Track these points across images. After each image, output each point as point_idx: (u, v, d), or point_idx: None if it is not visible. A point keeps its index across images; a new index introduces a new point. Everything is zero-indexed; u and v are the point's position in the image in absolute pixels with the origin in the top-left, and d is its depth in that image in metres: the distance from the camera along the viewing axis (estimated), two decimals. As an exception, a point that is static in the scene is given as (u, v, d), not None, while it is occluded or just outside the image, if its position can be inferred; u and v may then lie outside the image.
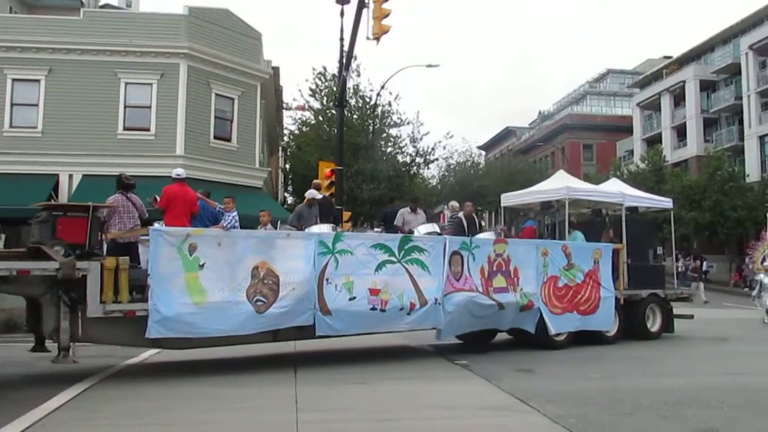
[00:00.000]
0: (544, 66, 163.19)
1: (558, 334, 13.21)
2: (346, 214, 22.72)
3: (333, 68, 34.20)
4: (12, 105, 24.95)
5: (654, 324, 15.31)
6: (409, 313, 11.41)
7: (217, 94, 26.56)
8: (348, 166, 27.49)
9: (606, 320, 13.99)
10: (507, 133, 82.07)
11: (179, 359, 11.75)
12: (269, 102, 32.23)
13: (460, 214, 15.13)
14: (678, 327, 15.89)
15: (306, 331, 10.92)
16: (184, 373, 10.51)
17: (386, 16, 16.90)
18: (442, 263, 11.87)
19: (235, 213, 11.67)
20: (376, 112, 35.40)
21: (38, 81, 25.05)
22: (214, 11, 27.14)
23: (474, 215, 15.34)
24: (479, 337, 13.67)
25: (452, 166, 56.71)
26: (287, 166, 45.52)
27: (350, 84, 32.22)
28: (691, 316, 16.48)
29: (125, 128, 25.25)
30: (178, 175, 11.50)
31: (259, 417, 7.55)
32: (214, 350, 11.61)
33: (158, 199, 11.32)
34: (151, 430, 6.98)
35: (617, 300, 14.28)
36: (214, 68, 26.31)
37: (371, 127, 35.08)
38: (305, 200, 14.04)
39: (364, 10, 17.10)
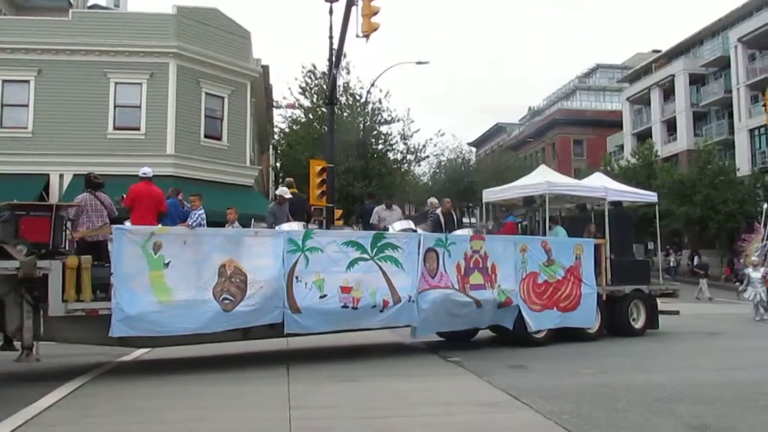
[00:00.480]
0: (534, 61, 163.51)
1: (538, 331, 13.06)
2: (338, 212, 22.74)
3: (323, 66, 34.21)
4: (2, 106, 24.95)
5: (638, 320, 15.17)
6: (382, 311, 11.31)
7: (207, 93, 26.55)
8: (339, 164, 27.48)
9: (587, 317, 13.83)
10: (497, 130, 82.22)
11: (172, 357, 11.77)
12: (259, 100, 32.21)
13: (438, 211, 15.00)
14: (666, 323, 15.91)
15: (277, 329, 10.86)
16: (177, 371, 10.51)
17: (375, 13, 16.89)
18: (416, 260, 11.75)
19: (201, 211, 11.58)
20: (366, 110, 35.41)
21: (28, 81, 25.01)
22: (203, 10, 27.11)
23: (452, 212, 15.20)
24: (459, 334, 13.54)
25: (443, 163, 56.75)
26: (278, 164, 45.50)
27: (340, 82, 32.23)
28: (677, 312, 16.41)
29: (115, 128, 25.24)
30: (145, 173, 11.50)
31: (253, 414, 7.56)
32: (206, 348, 11.64)
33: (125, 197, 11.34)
34: (144, 428, 6.98)
35: (599, 296, 14.12)
36: (203, 67, 26.29)
37: (362, 125, 35.09)
38: (276, 198, 13.95)
39: (353, 8, 17.09)
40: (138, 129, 25.31)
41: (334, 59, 21.05)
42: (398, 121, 37.30)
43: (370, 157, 34.74)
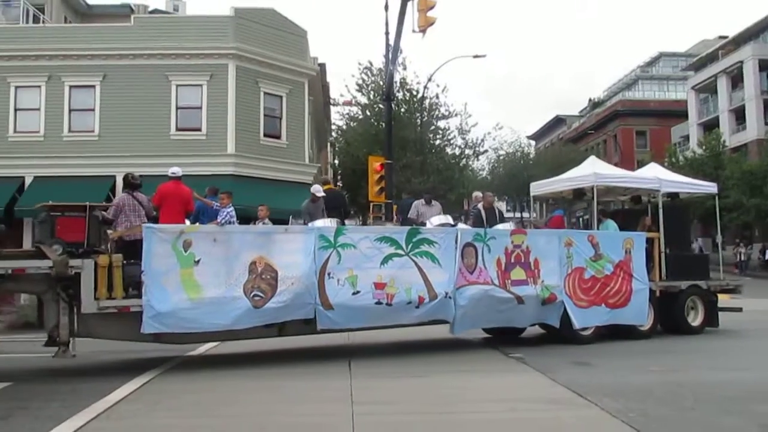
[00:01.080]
0: (594, 52, 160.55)
1: (584, 329, 12.65)
2: (395, 207, 22.74)
3: (379, 62, 34.28)
4: (70, 111, 25.70)
5: (696, 318, 14.39)
6: (417, 307, 11.15)
7: (265, 93, 26.84)
8: (397, 160, 27.49)
9: (639, 314, 13.22)
10: (557, 122, 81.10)
11: (237, 352, 12.01)
12: (317, 98, 32.43)
13: (479, 205, 14.70)
14: (731, 320, 15.10)
15: (312, 325, 10.83)
16: (242, 366, 10.70)
17: (431, 7, 16.85)
18: (453, 256, 11.53)
19: (230, 209, 11.53)
20: (423, 105, 35.35)
21: (93, 87, 25.72)
22: (260, 11, 27.43)
23: (495, 206, 14.85)
24: (506, 331, 13.29)
25: (501, 157, 56.29)
26: (336, 161, 45.79)
27: (397, 78, 32.19)
28: (740, 309, 15.52)
29: (177, 129, 25.76)
30: (174, 173, 11.64)
31: (316, 409, 7.62)
32: (270, 343, 11.78)
33: None
34: (210, 423, 7.09)
35: (652, 292, 13.51)
36: (261, 67, 26.59)
37: (419, 120, 35.04)
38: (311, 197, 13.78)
39: (409, 3, 17.09)
40: (199, 130, 25.78)
41: (390, 55, 21.10)
42: (456, 115, 37.20)
43: (428, 153, 34.69)
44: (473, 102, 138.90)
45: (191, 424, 7.11)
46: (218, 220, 11.18)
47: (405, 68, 35.21)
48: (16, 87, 25.71)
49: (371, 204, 21.82)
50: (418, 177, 32.58)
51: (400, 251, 11.26)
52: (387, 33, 21.90)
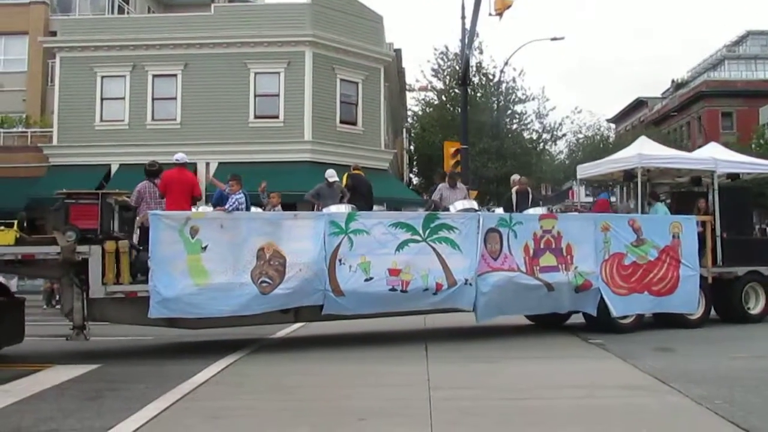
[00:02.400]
0: (675, 32, 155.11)
1: (624, 317, 12.18)
2: (473, 193, 22.59)
3: (455, 47, 34.06)
4: (153, 99, 26.54)
5: (756, 305, 13.60)
6: (435, 294, 10.95)
7: (341, 79, 27.07)
8: (473, 145, 27.28)
9: (688, 301, 12.55)
10: (638, 104, 78.76)
11: (316, 334, 12.30)
12: (392, 84, 32.46)
13: (513, 190, 14.28)
14: None
15: None
16: (321, 349, 10.90)
17: (508, -10, 16.60)
18: (475, 241, 11.25)
19: (239, 195, 11.40)
20: (500, 90, 34.95)
21: (175, 75, 26.52)
22: (336, -2, 27.59)
23: (529, 190, 14.36)
24: (547, 318, 12.94)
25: (580, 141, 55.13)
26: (412, 147, 45.80)
27: (473, 62, 31.95)
28: None
29: (256, 116, 26.29)
30: (177, 159, 11.63)
31: (394, 394, 7.67)
32: (346, 326, 11.88)
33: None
34: (291, 406, 7.23)
35: (703, 279, 12.84)
36: (337, 54, 26.79)
37: (495, 105, 34.67)
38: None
39: (486, -14, 16.87)
40: (277, 117, 26.21)
41: (466, 39, 20.92)
42: (533, 99, 36.69)
43: (505, 137, 34.33)
44: (551, 86, 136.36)
45: (272, 407, 7.25)
46: (226, 207, 11.12)
47: (481, 52, 34.87)
48: (102, 77, 26.74)
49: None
50: (494, 162, 32.29)
51: (417, 237, 11.08)
52: (463, 17, 21.68)
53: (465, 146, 20.76)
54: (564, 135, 40.32)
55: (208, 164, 25.96)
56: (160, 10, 36.42)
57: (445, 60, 35.77)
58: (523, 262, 11.56)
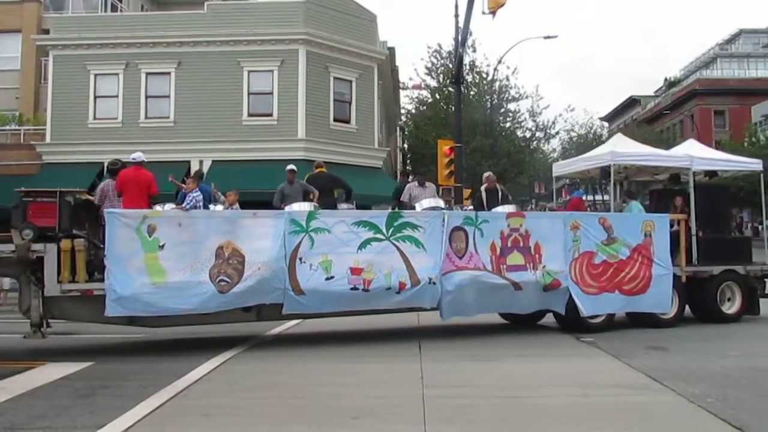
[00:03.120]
0: (668, 31, 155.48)
1: (594, 316, 12.02)
2: (467, 192, 22.64)
3: (448, 45, 34.09)
4: (146, 97, 26.49)
5: (732, 305, 13.36)
6: (398, 293, 10.89)
7: (335, 78, 27.03)
8: (467, 143, 27.35)
9: (660, 300, 12.39)
10: (631, 103, 79.08)
11: (311, 332, 12.31)
12: (386, 82, 32.46)
13: (483, 187, 14.13)
14: None
15: None
16: (315, 347, 10.91)
17: (502, -11, 16.61)
18: (440, 240, 11.19)
19: (197, 193, 11.29)
20: (493, 88, 35.03)
21: (169, 74, 26.45)
22: (330, -4, 27.57)
23: (499, 187, 14.15)
24: (519, 317, 12.91)
25: (574, 139, 55.29)
26: (405, 145, 45.82)
27: (466, 60, 31.97)
28: None
29: (249, 114, 26.23)
30: (134, 158, 11.56)
31: (387, 392, 7.69)
32: (341, 323, 11.88)
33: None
34: (283, 404, 7.25)
35: (677, 278, 12.69)
36: (331, 52, 26.76)
37: (489, 103, 34.75)
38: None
39: (479, -15, 16.89)
40: (270, 115, 26.17)
41: (460, 38, 20.93)
42: (526, 98, 36.85)
43: (498, 136, 34.44)
44: (544, 84, 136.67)
45: (266, 405, 7.28)
46: (183, 205, 11.02)
47: (475, 51, 35.04)
48: (96, 75, 26.65)
49: (441, 188, 21.79)
50: (488, 160, 32.35)
51: (380, 236, 11.02)
52: (456, 15, 21.76)
53: (459, 144, 20.80)
54: (557, 133, 40.47)
55: (201, 162, 25.88)
56: (154, 8, 36.32)
57: (439, 58, 35.87)
58: (490, 261, 11.47)
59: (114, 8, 32.22)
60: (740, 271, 13.47)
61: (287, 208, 11.53)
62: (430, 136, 33.22)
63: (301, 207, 11.46)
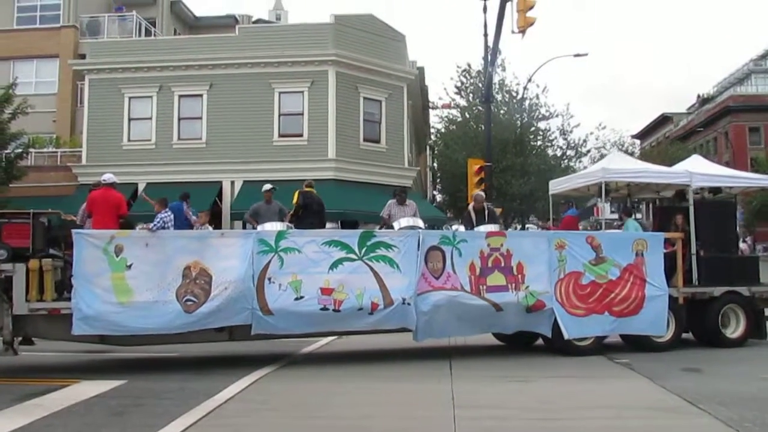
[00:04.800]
0: (701, 48, 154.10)
1: (581, 339, 11.58)
2: (498, 210, 22.55)
3: (477, 64, 34.14)
4: (179, 119, 26.89)
5: (736, 328, 12.62)
6: (371, 314, 10.72)
7: (365, 98, 27.19)
8: (497, 162, 27.27)
9: (654, 323, 11.81)
10: (663, 120, 78.29)
11: (342, 351, 12.31)
12: (416, 102, 32.57)
13: (470, 207, 13.87)
14: None
15: None
16: (346, 366, 10.90)
17: (531, 8, 16.66)
18: (415, 260, 10.98)
19: (164, 214, 11.35)
20: (523, 106, 34.96)
21: (201, 96, 26.85)
22: (359, 17, 27.84)
23: (486, 207, 13.69)
24: (513, 338, 12.58)
25: (605, 157, 54.85)
26: (435, 164, 45.85)
27: (496, 79, 32.01)
28: None
29: (280, 135, 26.48)
30: (104, 180, 11.69)
31: (418, 413, 7.66)
32: (372, 342, 11.82)
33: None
34: (316, 423, 7.26)
35: (673, 299, 12.10)
36: (361, 72, 26.94)
37: (519, 122, 34.67)
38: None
39: (508, 4, 16.95)
40: (301, 135, 26.39)
41: (489, 57, 20.96)
42: (557, 116, 36.71)
43: (529, 154, 34.28)
44: (575, 102, 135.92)
45: (296, 425, 7.29)
46: (149, 226, 11.05)
47: (504, 69, 34.99)
48: (130, 98, 27.17)
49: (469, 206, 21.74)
50: (518, 179, 32.22)
51: (352, 255, 10.88)
52: (486, 35, 21.83)
53: (489, 163, 20.76)
54: (589, 151, 40.12)
55: (233, 182, 26.20)
56: (186, 32, 36.99)
57: (468, 77, 35.92)
58: (468, 281, 11.21)
59: (148, 33, 32.83)
60: (744, 293, 12.76)
61: (260, 227, 11.60)
62: (459, 155, 33.20)
63: (273, 227, 11.47)
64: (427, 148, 45.96)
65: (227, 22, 35.25)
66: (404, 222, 12.08)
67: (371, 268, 10.90)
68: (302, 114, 26.46)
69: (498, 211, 21.50)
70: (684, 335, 12.64)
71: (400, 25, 56.82)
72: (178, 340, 10.81)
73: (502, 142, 32.07)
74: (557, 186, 16.47)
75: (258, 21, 38.47)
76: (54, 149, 29.53)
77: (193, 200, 14.88)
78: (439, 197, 45.93)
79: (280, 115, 26.59)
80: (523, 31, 16.75)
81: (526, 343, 12.81)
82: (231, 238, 11.03)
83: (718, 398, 7.95)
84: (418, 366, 10.87)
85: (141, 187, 26.34)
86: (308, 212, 12.87)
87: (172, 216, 11.46)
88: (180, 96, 26.93)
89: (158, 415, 7.43)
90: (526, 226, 13.99)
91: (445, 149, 39.48)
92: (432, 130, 43.60)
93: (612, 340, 12.28)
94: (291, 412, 7.82)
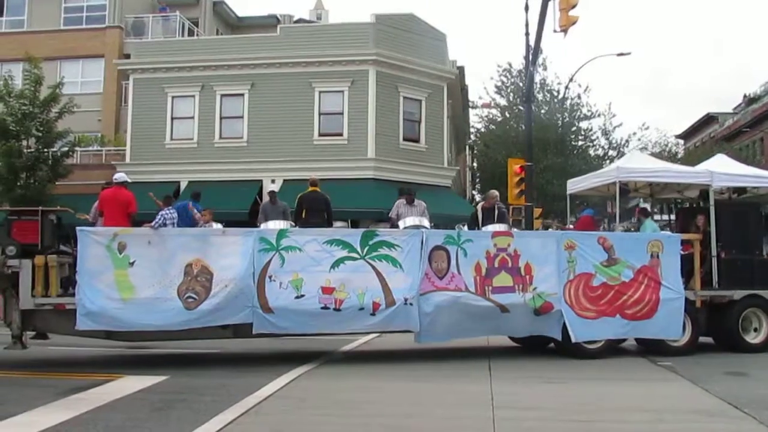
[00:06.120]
0: (748, 46, 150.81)
1: (590, 342, 11.36)
2: (537, 211, 22.39)
3: (518, 64, 33.93)
4: (221, 118, 27.17)
5: (758, 333, 12.25)
6: (373, 314, 10.67)
7: (404, 97, 27.16)
8: (537, 162, 27.05)
9: (669, 326, 11.51)
10: (708, 120, 76.74)
11: (382, 349, 12.41)
12: (455, 101, 32.45)
13: (479, 206, 13.67)
14: None
15: None
16: (385, 365, 11.00)
17: (573, 6, 16.48)
18: (418, 259, 10.92)
19: (166, 211, 11.39)
20: (564, 106, 34.63)
21: (242, 95, 27.08)
22: (400, 17, 27.81)
23: (497, 206, 13.30)
24: (530, 341, 12.30)
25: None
26: (475, 164, 45.66)
27: (537, 78, 31.77)
28: None
29: (320, 134, 26.58)
30: (116, 179, 11.89)
31: (457, 413, 7.65)
32: (410, 342, 11.81)
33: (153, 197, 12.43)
34: (354, 422, 7.29)
35: (690, 302, 11.80)
36: (401, 72, 26.92)
37: (560, 122, 34.35)
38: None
39: (550, 2, 16.79)
40: (341, 135, 26.48)
41: (530, 56, 20.77)
42: (599, 116, 36.30)
43: (570, 154, 33.95)
44: (617, 102, 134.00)
45: (335, 422, 7.33)
46: (152, 223, 11.13)
47: (545, 69, 34.72)
48: (173, 97, 27.51)
49: (510, 207, 21.61)
50: (559, 179, 31.92)
51: (354, 254, 10.87)
52: (527, 33, 21.59)
53: (529, 163, 20.60)
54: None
55: (273, 181, 26.32)
56: (228, 31, 37.38)
57: (509, 77, 35.71)
58: (473, 282, 11.08)
59: (191, 33, 33.26)
60: (767, 296, 12.36)
61: (261, 226, 11.73)
62: (499, 154, 33.02)
63: (276, 225, 11.58)
64: (467, 147, 45.78)
65: (269, 22, 35.50)
66: (409, 221, 12.07)
67: (373, 268, 10.92)
68: (342, 113, 26.54)
69: (538, 211, 21.35)
70: (703, 339, 12.31)
71: (440, 24, 56.68)
72: (183, 336, 10.96)
73: (543, 141, 31.82)
74: (574, 185, 16.21)
75: (299, 21, 38.69)
76: (99, 148, 30.07)
77: (234, 198, 15.05)
78: (478, 197, 45.75)
79: (320, 115, 26.70)
80: (565, 30, 16.58)
81: (541, 346, 12.53)
82: (232, 236, 11.09)
83: (762, 402, 7.81)
84: (457, 366, 10.86)
85: (183, 185, 26.72)
86: (312, 211, 12.83)
87: (175, 213, 11.66)
88: (222, 95, 27.22)
89: (200, 411, 7.54)
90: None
91: (485, 149, 39.31)
92: (472, 130, 43.43)
93: (626, 342, 12.10)
94: (330, 410, 7.87)
